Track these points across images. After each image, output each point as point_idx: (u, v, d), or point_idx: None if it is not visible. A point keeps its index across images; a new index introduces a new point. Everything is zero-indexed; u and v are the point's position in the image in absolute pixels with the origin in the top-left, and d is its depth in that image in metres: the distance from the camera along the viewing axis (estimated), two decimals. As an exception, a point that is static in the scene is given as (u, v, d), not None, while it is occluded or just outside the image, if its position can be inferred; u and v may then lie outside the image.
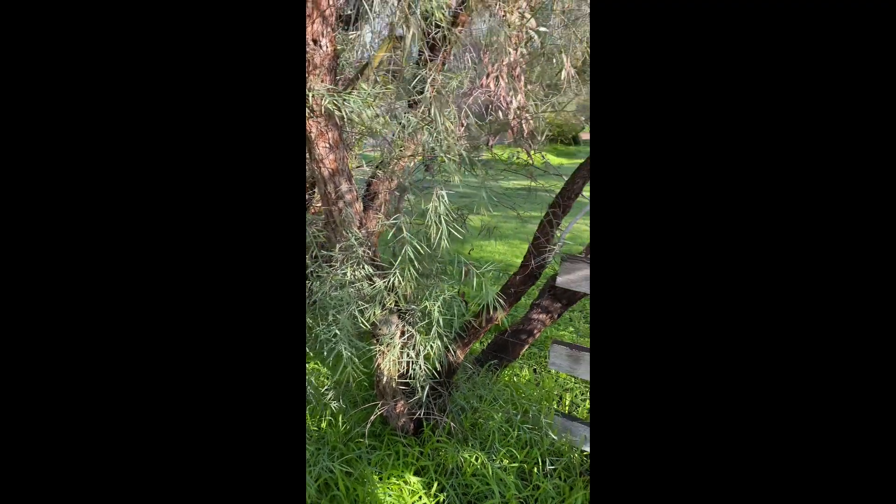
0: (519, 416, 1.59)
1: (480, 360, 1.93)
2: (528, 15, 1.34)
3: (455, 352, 1.58)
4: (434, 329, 1.24)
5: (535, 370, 2.12)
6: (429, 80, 1.07)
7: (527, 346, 1.93)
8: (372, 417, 1.45)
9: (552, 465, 1.45)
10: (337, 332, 1.26)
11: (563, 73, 1.47)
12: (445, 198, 1.06)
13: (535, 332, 1.93)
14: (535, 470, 1.42)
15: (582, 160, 1.66)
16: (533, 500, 1.34)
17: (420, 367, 1.27)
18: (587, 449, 1.51)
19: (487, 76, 1.39)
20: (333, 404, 1.58)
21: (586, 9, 1.66)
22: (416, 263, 1.13)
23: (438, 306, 1.23)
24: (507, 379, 1.90)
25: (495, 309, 1.50)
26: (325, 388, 1.68)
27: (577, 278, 1.40)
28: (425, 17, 1.08)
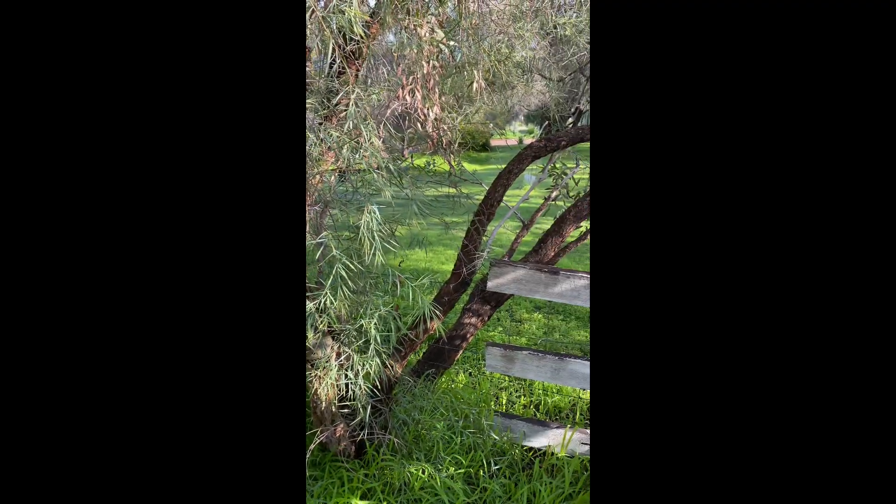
0: (461, 422, 1.61)
1: (417, 370, 1.92)
2: (437, 29, 1.38)
3: (393, 367, 1.56)
4: (372, 347, 1.21)
5: (469, 374, 2.16)
6: (352, 96, 1.05)
7: (461, 351, 1.96)
8: (311, 446, 1.37)
9: (496, 464, 1.49)
10: (265, 361, 1.18)
11: (474, 85, 1.53)
12: (377, 213, 1.04)
13: (468, 335, 1.97)
14: (481, 472, 1.45)
15: (493, 166, 1.73)
16: (482, 502, 1.36)
17: (360, 388, 1.23)
18: (527, 444, 1.58)
19: (403, 88, 1.40)
20: (265, 439, 1.47)
21: (492, 24, 1.75)
22: (348, 282, 1.10)
23: (375, 323, 1.20)
24: (444, 386, 1.92)
25: (431, 319, 1.50)
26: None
27: (506, 281, 1.46)
28: (340, 31, 1.06)
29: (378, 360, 1.22)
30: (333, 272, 1.09)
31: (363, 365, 1.22)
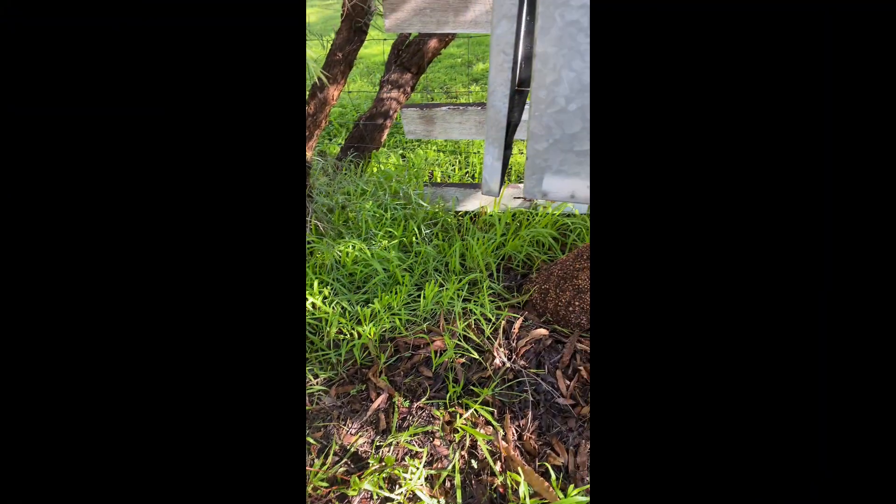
0: (390, 199, 1.53)
1: (340, 156, 1.76)
2: None
3: (299, 149, 1.37)
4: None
5: (403, 156, 2.02)
6: None
7: (387, 130, 1.77)
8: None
9: (429, 229, 1.47)
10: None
11: None
12: None
13: (392, 112, 1.75)
14: (414, 239, 1.43)
15: None
16: (417, 264, 1.38)
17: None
18: (460, 208, 1.54)
19: None
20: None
21: None
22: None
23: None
24: (374, 170, 1.79)
25: (325, 86, 1.25)
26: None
27: (406, 15, 1.16)
28: None
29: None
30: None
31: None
